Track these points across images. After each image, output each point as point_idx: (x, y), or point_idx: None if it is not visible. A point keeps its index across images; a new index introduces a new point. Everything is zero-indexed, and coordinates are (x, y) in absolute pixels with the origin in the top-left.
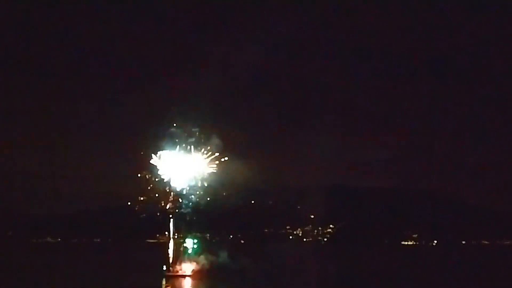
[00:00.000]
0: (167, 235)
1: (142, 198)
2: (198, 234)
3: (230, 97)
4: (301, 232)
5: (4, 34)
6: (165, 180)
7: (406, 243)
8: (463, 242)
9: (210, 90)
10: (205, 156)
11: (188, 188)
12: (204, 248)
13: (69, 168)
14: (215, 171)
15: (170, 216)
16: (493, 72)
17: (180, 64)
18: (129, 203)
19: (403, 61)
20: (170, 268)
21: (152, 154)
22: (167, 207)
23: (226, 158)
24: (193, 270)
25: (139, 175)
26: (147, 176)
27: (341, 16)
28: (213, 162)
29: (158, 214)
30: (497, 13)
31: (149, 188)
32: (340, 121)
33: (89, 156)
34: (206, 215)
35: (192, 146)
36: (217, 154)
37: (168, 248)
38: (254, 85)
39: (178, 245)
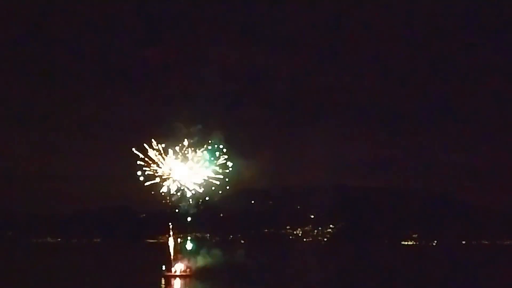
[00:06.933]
0: (167, 236)
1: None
2: (198, 234)
3: (231, 97)
4: (301, 232)
5: (5, 34)
6: (165, 180)
7: (406, 243)
8: (463, 242)
9: (211, 90)
10: (206, 156)
11: (188, 188)
12: (203, 248)
13: (69, 168)
14: (216, 171)
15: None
16: (493, 72)
17: (180, 64)
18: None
19: (403, 61)
20: (170, 268)
21: (153, 154)
22: (167, 207)
23: (226, 158)
24: (192, 270)
25: (139, 173)
26: (148, 175)
27: (342, 16)
28: (214, 162)
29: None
30: (497, 13)
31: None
32: (341, 122)
33: (89, 156)
34: (207, 215)
35: (193, 146)
36: (218, 154)
37: (168, 248)
38: (254, 86)
39: (178, 245)
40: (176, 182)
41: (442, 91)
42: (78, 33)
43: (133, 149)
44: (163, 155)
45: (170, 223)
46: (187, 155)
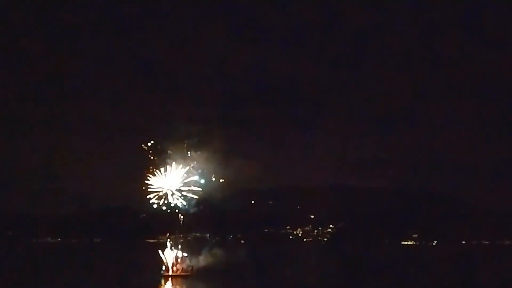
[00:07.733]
0: (167, 235)
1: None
2: (198, 234)
3: (231, 97)
4: (301, 232)
5: (5, 34)
6: (165, 180)
7: (406, 243)
8: (463, 242)
9: (212, 90)
10: (206, 156)
11: (188, 188)
12: (204, 248)
13: (69, 168)
14: (215, 171)
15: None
16: (493, 72)
17: (181, 64)
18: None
19: (402, 61)
20: (169, 268)
21: (153, 154)
22: (168, 207)
23: (226, 158)
24: (191, 270)
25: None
26: (147, 175)
27: (342, 16)
28: (214, 162)
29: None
30: (497, 13)
31: (149, 188)
32: (340, 122)
33: (89, 156)
34: (207, 215)
35: (194, 146)
36: (218, 154)
37: (168, 248)
38: (254, 86)
39: (178, 245)
40: (176, 182)
41: (442, 92)
42: (79, 33)
43: (133, 149)
44: (163, 155)
45: (170, 224)
46: (187, 155)
